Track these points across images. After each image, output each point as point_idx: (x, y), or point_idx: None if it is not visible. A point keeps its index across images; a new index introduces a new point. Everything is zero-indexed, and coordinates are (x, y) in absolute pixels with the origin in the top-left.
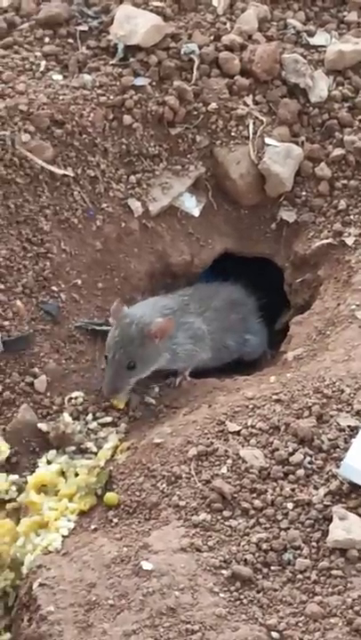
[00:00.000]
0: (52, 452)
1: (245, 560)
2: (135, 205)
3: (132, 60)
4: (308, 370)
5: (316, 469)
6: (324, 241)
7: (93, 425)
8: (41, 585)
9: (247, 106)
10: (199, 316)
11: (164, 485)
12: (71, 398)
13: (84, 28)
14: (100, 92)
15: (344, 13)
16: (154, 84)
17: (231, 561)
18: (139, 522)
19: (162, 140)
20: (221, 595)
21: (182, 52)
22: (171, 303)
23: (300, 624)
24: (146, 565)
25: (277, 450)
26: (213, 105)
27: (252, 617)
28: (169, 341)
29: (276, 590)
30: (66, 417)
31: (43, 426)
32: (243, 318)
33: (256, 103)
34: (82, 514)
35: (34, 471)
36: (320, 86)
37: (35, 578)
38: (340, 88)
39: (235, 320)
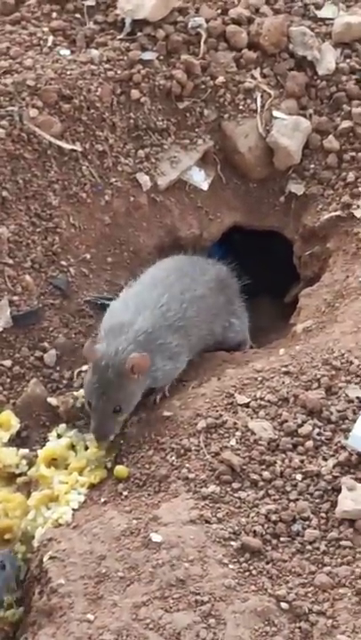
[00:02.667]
0: (62, 426)
1: (255, 531)
2: (144, 179)
3: (139, 34)
4: (317, 342)
5: (324, 441)
6: (333, 213)
7: None
8: (51, 558)
9: (255, 79)
10: (176, 331)
11: (173, 458)
12: (80, 372)
13: (91, 2)
14: (107, 66)
15: None
16: (161, 58)
17: (240, 532)
18: (148, 494)
19: (170, 114)
20: (231, 566)
21: (190, 26)
22: (144, 324)
23: (310, 594)
24: (155, 537)
25: (286, 421)
26: (221, 78)
27: (261, 588)
28: (150, 368)
29: (285, 561)
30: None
31: (52, 400)
32: (228, 300)
33: (264, 76)
34: (92, 487)
35: (44, 445)
36: (328, 59)
37: (45, 551)
38: (348, 60)
39: (221, 303)
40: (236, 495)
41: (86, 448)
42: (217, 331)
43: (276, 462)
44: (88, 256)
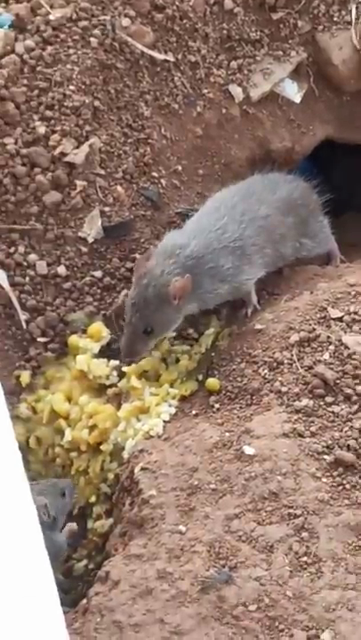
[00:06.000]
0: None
1: (348, 446)
2: (236, 91)
3: None
4: None
5: None
6: None
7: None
8: (143, 469)
9: None
10: (232, 253)
11: (265, 371)
12: None
13: None
14: None
15: None
16: None
17: (334, 446)
18: (240, 407)
19: (263, 26)
20: (324, 480)
21: None
22: (196, 249)
23: None
24: (248, 450)
25: None
26: None
27: (355, 502)
28: (196, 290)
29: None
30: None
31: None
32: (301, 220)
33: None
34: (183, 399)
35: None
36: None
37: (136, 462)
38: None
39: (290, 224)
40: (329, 409)
41: (177, 360)
42: (286, 252)
43: None
44: (179, 167)
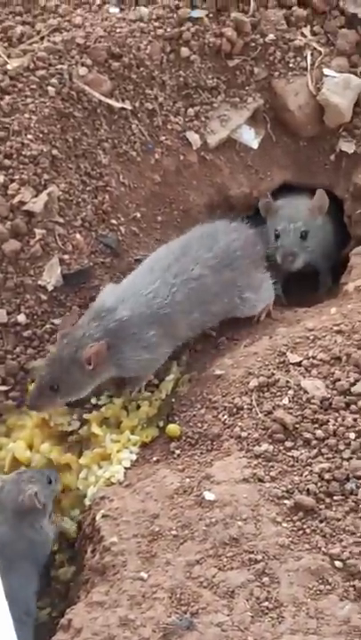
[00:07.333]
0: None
1: (308, 490)
2: (193, 138)
3: None
4: None
5: None
6: None
7: None
8: (104, 516)
9: (305, 37)
10: (159, 320)
11: (225, 417)
12: None
13: None
14: (156, 24)
15: None
16: (211, 15)
17: (294, 491)
18: (201, 453)
19: (219, 73)
20: (284, 524)
21: None
22: (123, 313)
23: None
24: (208, 496)
25: (339, 380)
26: (271, 36)
27: (315, 546)
28: (114, 356)
29: (338, 520)
30: None
31: None
32: (241, 273)
33: (314, 34)
34: (144, 446)
35: (95, 404)
36: None
37: (98, 509)
38: None
39: (228, 278)
40: (289, 454)
41: (138, 407)
42: (220, 310)
43: (328, 421)
44: (138, 215)
